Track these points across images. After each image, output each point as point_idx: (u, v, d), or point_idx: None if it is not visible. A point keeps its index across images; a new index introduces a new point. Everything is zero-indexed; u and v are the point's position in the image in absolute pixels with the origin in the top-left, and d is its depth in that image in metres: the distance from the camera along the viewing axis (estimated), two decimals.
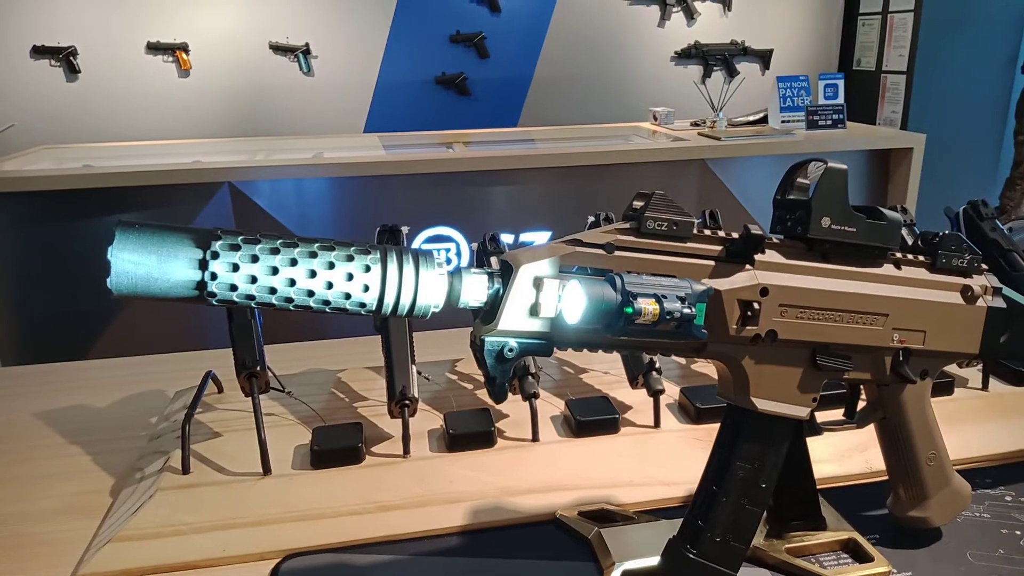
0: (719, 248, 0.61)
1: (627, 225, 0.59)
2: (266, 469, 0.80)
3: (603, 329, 0.55)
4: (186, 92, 3.89)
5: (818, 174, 0.63)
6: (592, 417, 0.87)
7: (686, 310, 0.55)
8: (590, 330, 0.56)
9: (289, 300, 0.51)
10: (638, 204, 0.60)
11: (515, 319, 0.54)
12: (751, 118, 3.38)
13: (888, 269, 0.67)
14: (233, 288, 0.49)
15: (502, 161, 2.89)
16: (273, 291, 0.50)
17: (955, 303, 0.69)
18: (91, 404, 1.05)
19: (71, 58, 3.70)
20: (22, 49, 3.68)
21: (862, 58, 4.26)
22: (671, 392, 0.96)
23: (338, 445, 0.82)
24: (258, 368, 0.82)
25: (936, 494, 0.72)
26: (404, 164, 2.78)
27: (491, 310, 0.55)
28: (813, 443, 0.84)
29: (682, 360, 1.06)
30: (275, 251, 0.50)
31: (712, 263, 0.61)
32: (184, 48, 3.82)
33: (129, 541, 0.73)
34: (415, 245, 2.85)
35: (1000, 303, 0.71)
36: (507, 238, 2.94)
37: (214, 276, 0.49)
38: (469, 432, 0.84)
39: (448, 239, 2.90)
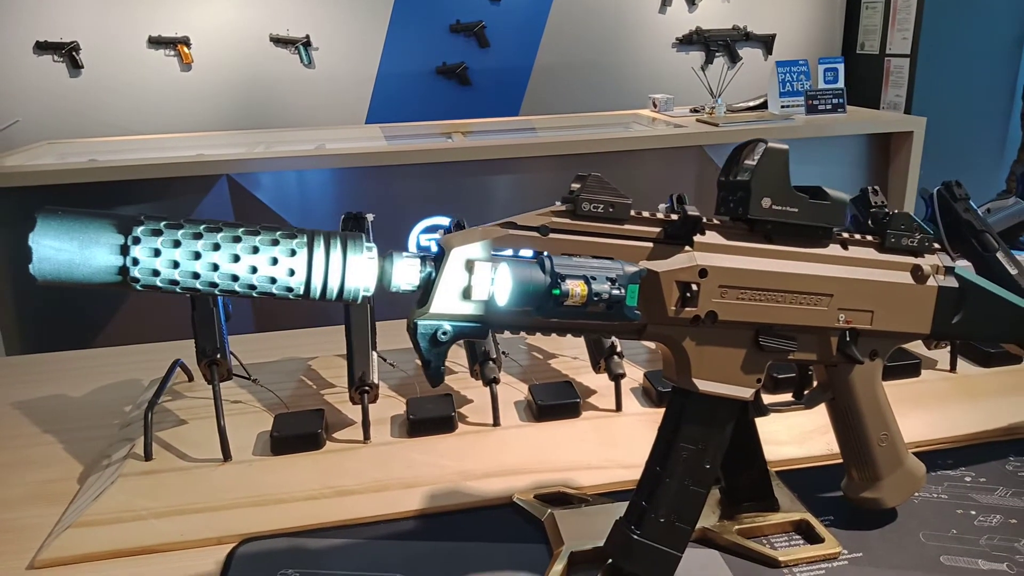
0: (657, 230, 0.61)
1: (563, 207, 0.59)
2: (226, 455, 0.81)
3: (534, 311, 0.55)
4: (188, 86, 3.90)
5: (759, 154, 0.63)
6: (553, 401, 0.88)
7: (615, 291, 0.55)
8: (522, 312, 0.56)
9: (213, 285, 0.51)
10: (575, 186, 0.60)
11: (447, 302, 0.55)
12: (751, 104, 3.35)
13: (834, 249, 0.67)
14: (155, 273, 0.50)
15: (500, 150, 2.89)
16: (196, 276, 0.50)
17: (904, 283, 0.69)
18: (69, 394, 1.06)
19: (74, 53, 3.72)
20: (25, 45, 3.70)
21: (866, 41, 4.21)
22: (636, 376, 0.96)
23: (297, 431, 0.82)
24: (219, 356, 0.83)
25: (889, 475, 0.72)
26: (401, 154, 2.78)
27: (425, 294, 0.55)
28: (774, 424, 0.84)
29: (651, 344, 1.06)
30: (198, 236, 0.50)
31: (650, 245, 0.60)
32: (185, 42, 3.83)
33: (89, 526, 0.74)
34: (412, 235, 2.86)
35: (952, 283, 0.70)
36: None
37: (136, 261, 0.49)
38: (429, 417, 0.85)
39: (447, 229, 2.90)
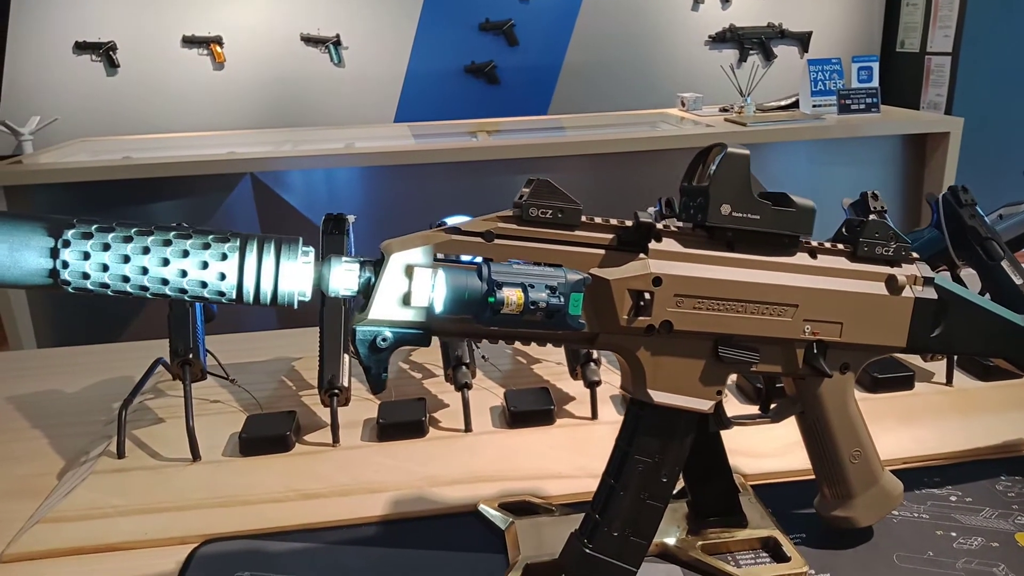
0: (610, 236, 0.59)
1: (510, 213, 0.58)
2: (195, 455, 0.82)
3: (474, 319, 0.54)
4: (221, 84, 3.96)
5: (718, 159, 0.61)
6: (526, 408, 0.86)
7: (553, 300, 0.53)
8: (462, 320, 0.55)
9: (144, 288, 0.51)
10: (526, 191, 0.59)
11: (386, 309, 0.54)
12: (782, 103, 3.29)
13: (801, 258, 0.64)
14: (85, 276, 0.49)
15: (526, 149, 2.88)
16: (126, 279, 0.50)
17: (877, 294, 0.66)
18: (62, 389, 1.08)
19: (111, 53, 3.81)
20: (65, 45, 3.80)
21: (906, 39, 4.10)
22: (617, 383, 0.94)
23: (266, 433, 0.82)
24: (191, 356, 0.83)
25: (862, 493, 0.69)
26: (423, 153, 2.78)
27: (368, 299, 0.55)
28: (755, 436, 0.82)
29: None
30: (128, 239, 0.50)
31: (602, 252, 0.59)
32: (218, 41, 3.89)
33: (56, 522, 0.75)
34: None
35: (931, 294, 0.67)
36: None
37: (66, 264, 0.49)
38: (399, 421, 0.84)
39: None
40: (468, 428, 0.86)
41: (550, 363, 1.02)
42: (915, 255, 0.68)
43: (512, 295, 0.53)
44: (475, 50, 4.07)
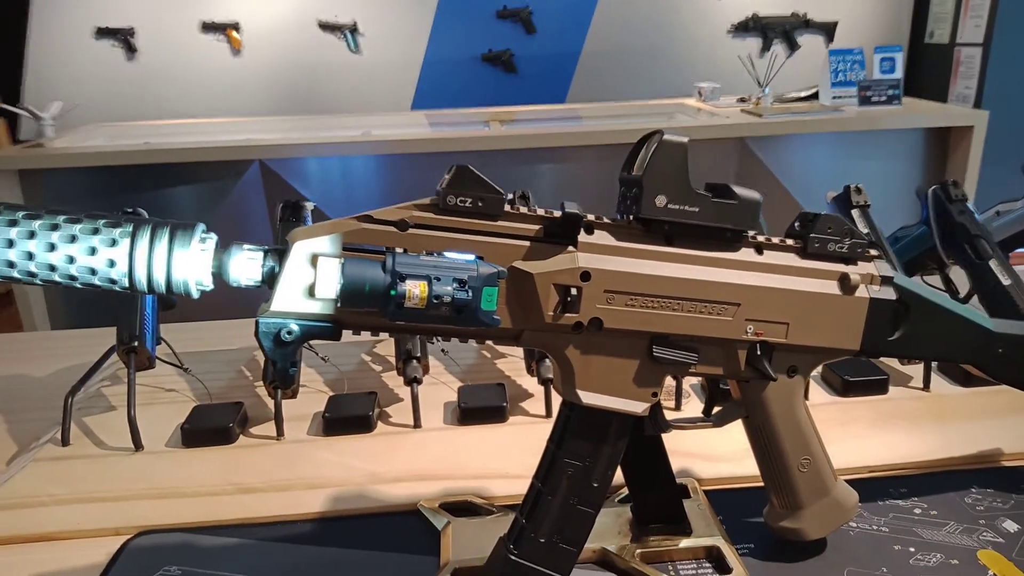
0: (536, 227, 0.56)
1: (427, 201, 0.55)
2: (137, 445, 0.80)
3: (380, 312, 0.51)
4: (238, 71, 3.96)
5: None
6: (477, 404, 0.83)
7: (460, 294, 0.50)
8: (370, 313, 0.52)
9: (32, 275, 0.49)
10: (446, 177, 0.56)
11: (291, 300, 0.52)
12: (802, 94, 3.20)
13: (746, 254, 0.60)
14: None
15: (541, 139, 2.84)
16: (11, 265, 0.48)
17: (827, 293, 0.62)
18: (30, 374, 1.07)
19: (130, 38, 3.83)
20: (86, 31, 3.82)
21: (935, 30, 3.97)
22: None
23: (209, 424, 0.81)
24: (135, 344, 0.81)
25: (812, 504, 0.65)
26: (428, 142, 2.76)
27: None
28: (714, 439, 0.78)
29: None
30: (12, 223, 0.48)
31: (526, 243, 0.56)
32: (235, 27, 3.89)
33: None
34: None
35: (888, 294, 0.63)
36: None
37: None
38: (345, 416, 0.82)
39: None
40: (417, 424, 0.83)
41: (514, 358, 0.99)
42: (874, 252, 0.63)
43: (415, 288, 0.50)
44: (492, 38, 4.03)
